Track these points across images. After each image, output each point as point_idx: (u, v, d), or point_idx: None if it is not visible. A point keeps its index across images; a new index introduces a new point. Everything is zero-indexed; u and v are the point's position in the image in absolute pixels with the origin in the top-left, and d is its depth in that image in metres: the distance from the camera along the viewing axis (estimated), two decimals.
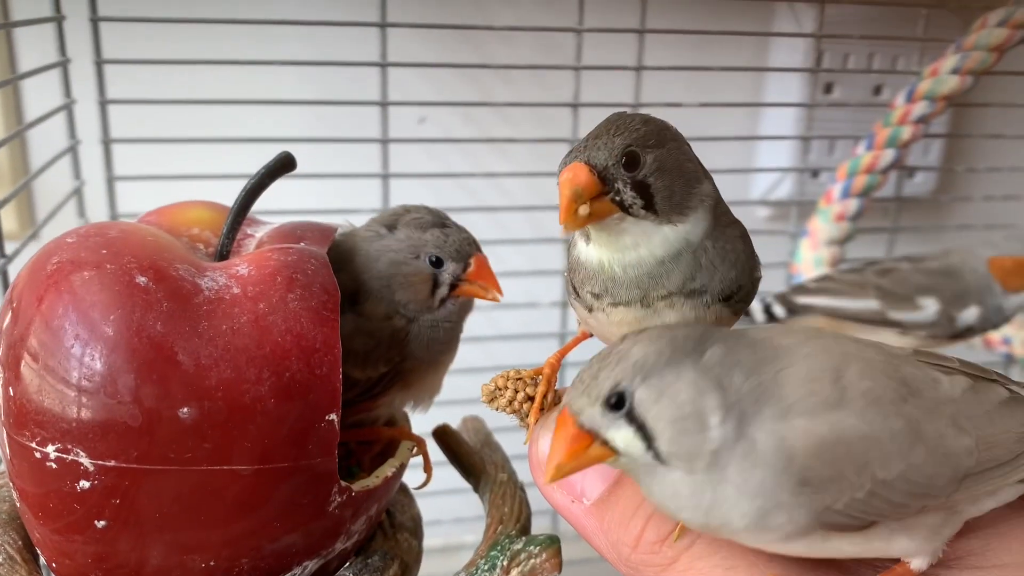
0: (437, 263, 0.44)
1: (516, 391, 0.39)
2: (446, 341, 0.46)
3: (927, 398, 0.32)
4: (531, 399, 0.39)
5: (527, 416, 0.39)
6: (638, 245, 0.36)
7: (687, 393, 0.30)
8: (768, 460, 0.30)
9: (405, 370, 0.45)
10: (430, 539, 0.96)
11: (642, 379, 0.31)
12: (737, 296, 0.37)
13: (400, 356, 0.44)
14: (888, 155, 0.81)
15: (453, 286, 0.44)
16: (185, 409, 0.34)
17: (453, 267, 0.44)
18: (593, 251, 0.37)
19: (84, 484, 0.34)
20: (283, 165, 0.42)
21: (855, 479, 0.30)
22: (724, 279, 0.36)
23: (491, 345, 0.89)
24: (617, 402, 0.31)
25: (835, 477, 0.30)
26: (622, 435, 0.31)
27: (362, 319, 0.43)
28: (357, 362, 0.43)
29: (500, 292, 0.44)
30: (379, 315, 0.44)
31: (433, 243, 0.44)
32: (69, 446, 0.34)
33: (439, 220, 0.45)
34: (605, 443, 0.31)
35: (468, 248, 0.44)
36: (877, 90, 0.95)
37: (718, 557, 0.34)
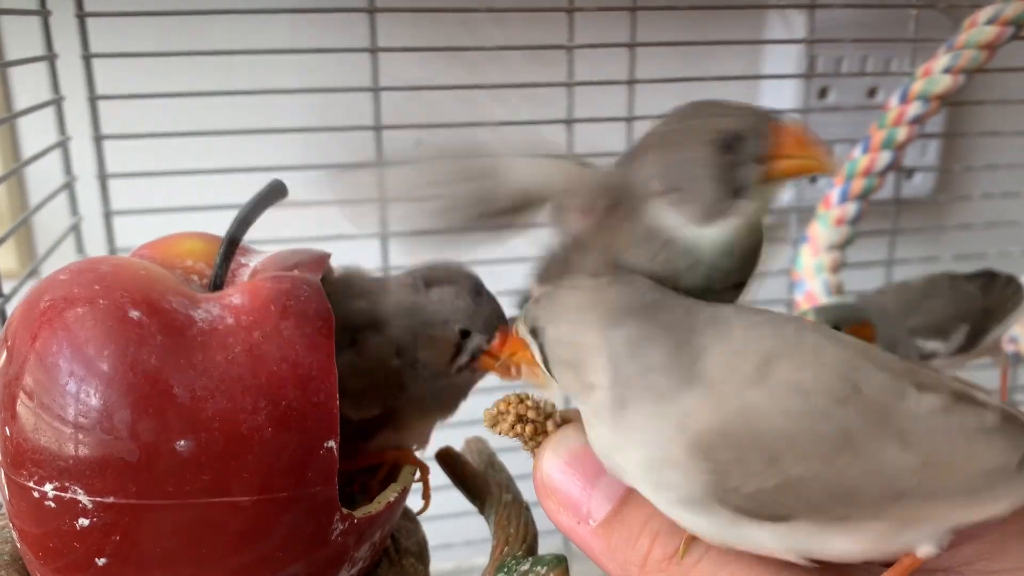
0: (465, 334, 0.44)
1: (519, 415, 0.39)
2: (447, 399, 0.46)
3: (877, 407, 0.31)
4: (534, 422, 0.39)
5: (530, 440, 0.39)
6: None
7: (578, 354, 0.34)
8: (667, 419, 0.31)
9: (397, 414, 0.45)
10: (441, 562, 0.95)
11: (555, 324, 0.35)
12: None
13: (395, 399, 0.44)
14: (885, 157, 0.81)
15: (475, 356, 0.44)
16: (182, 442, 0.34)
17: (479, 339, 0.44)
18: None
19: (83, 522, 0.34)
20: (274, 193, 0.42)
21: (759, 468, 0.30)
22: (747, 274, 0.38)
23: None
24: (534, 333, 0.36)
25: (738, 459, 0.30)
26: (538, 357, 0.36)
27: (360, 359, 0.43)
28: (352, 402, 0.43)
29: (518, 374, 0.43)
30: (376, 356, 0.44)
31: (465, 312, 0.44)
32: (67, 484, 0.34)
33: (475, 288, 0.45)
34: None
35: (496, 322, 0.44)
36: (872, 92, 0.95)
37: (725, 572, 0.34)
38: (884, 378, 0.31)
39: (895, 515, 0.30)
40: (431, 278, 0.45)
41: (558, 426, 0.39)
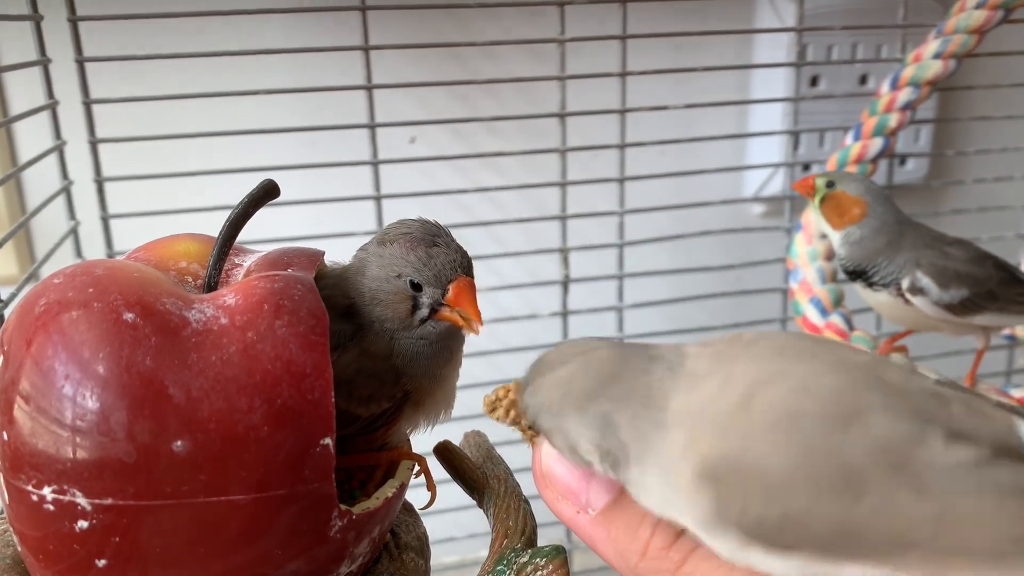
0: (416, 287, 0.43)
1: (515, 401, 0.39)
2: (442, 355, 0.45)
3: (887, 448, 0.29)
4: None
5: (529, 429, 0.39)
6: None
7: (569, 439, 0.35)
8: (665, 461, 0.33)
9: (411, 394, 0.45)
10: (446, 556, 0.95)
11: (542, 417, 0.36)
12: None
13: (402, 392, 0.44)
14: (876, 144, 0.81)
15: (435, 309, 0.44)
16: (179, 442, 0.34)
17: (431, 291, 0.43)
18: None
19: (82, 524, 0.34)
20: (266, 193, 0.42)
21: (758, 499, 0.30)
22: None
23: (495, 358, 0.89)
24: (533, 428, 0.38)
25: (739, 487, 0.31)
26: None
27: (366, 359, 0.43)
28: (361, 401, 0.43)
29: (479, 322, 0.43)
30: (382, 354, 0.44)
31: (414, 265, 0.43)
32: (65, 487, 0.34)
33: (430, 238, 0.44)
34: None
35: (449, 273, 0.43)
36: (863, 80, 0.95)
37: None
38: (892, 419, 0.30)
39: (907, 565, 0.29)
40: (385, 237, 0.45)
41: None
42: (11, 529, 0.38)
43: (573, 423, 0.35)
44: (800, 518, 0.30)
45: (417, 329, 0.44)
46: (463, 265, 0.44)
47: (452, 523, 0.81)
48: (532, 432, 0.39)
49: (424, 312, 0.44)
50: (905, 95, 0.79)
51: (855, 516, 0.29)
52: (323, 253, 0.45)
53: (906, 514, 0.29)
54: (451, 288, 0.43)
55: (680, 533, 0.34)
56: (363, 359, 0.43)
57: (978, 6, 0.75)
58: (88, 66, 0.75)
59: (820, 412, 0.30)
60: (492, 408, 0.40)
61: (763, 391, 0.31)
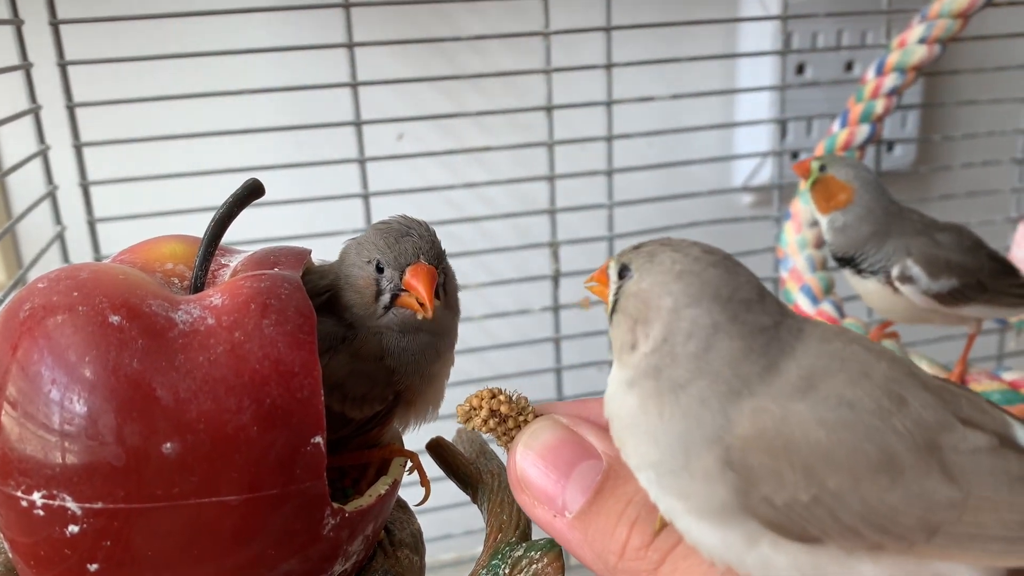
0: (379, 269, 0.43)
1: (491, 410, 0.39)
2: (430, 353, 0.45)
3: (923, 432, 0.30)
4: (506, 417, 0.39)
5: (504, 435, 0.39)
6: None
7: (642, 312, 0.33)
8: (702, 428, 0.31)
9: (403, 394, 0.45)
10: (442, 553, 0.95)
11: (641, 275, 0.34)
12: None
13: (394, 393, 0.44)
14: (863, 130, 0.81)
15: (396, 295, 0.43)
16: (168, 444, 0.34)
17: (391, 274, 0.43)
18: None
19: (73, 529, 0.34)
20: (251, 192, 0.42)
21: (794, 478, 0.30)
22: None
23: (487, 355, 0.89)
24: (621, 272, 0.36)
25: (772, 467, 0.30)
26: (610, 293, 0.36)
27: (357, 361, 0.43)
28: (355, 404, 0.43)
29: (428, 309, 0.42)
30: (373, 355, 0.44)
31: (379, 248, 0.43)
32: (55, 492, 0.34)
33: (404, 228, 0.44)
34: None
35: (408, 257, 0.43)
36: (848, 66, 0.95)
37: (700, 556, 0.34)
38: (930, 399, 0.31)
39: (927, 551, 0.30)
40: (371, 229, 0.45)
41: (525, 421, 0.39)
42: (2, 536, 0.37)
43: (669, 301, 0.33)
44: (835, 500, 0.29)
45: (381, 318, 0.44)
46: (427, 253, 0.44)
47: (448, 520, 0.81)
48: (508, 437, 0.39)
49: (386, 298, 0.44)
50: (891, 81, 0.79)
51: (890, 498, 0.29)
52: (310, 252, 0.45)
53: (936, 497, 0.29)
54: (408, 271, 0.43)
55: (659, 531, 0.34)
56: (355, 361, 0.43)
57: None
58: (71, 69, 0.74)
59: (874, 396, 0.30)
60: (467, 418, 0.40)
61: (826, 380, 0.31)
